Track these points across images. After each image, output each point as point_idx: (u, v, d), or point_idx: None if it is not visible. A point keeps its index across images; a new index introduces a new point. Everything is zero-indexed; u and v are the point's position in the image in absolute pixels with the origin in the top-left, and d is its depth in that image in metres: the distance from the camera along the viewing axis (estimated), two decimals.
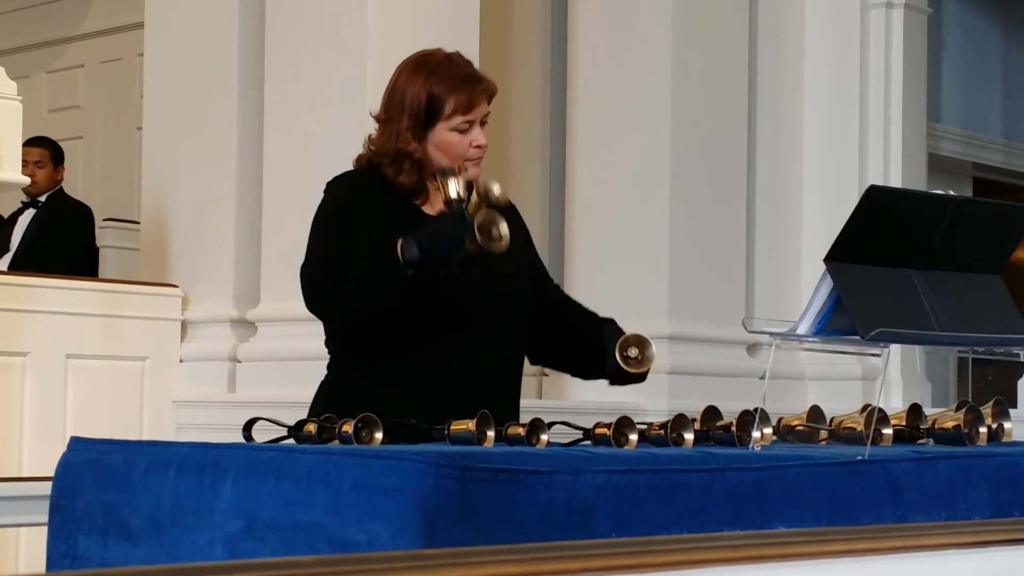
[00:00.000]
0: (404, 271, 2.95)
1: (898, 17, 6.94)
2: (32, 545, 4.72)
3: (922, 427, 3.04)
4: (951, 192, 2.94)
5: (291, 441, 2.78)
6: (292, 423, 2.81)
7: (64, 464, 2.63)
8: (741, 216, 6.56)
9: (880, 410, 2.85)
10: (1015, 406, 6.27)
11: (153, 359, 5.79)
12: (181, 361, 5.88)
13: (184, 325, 5.92)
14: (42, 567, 2.78)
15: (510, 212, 3.33)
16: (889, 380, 6.63)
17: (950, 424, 2.99)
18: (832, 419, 2.99)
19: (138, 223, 6.57)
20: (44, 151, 7.42)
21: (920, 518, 2.65)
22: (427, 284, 2.99)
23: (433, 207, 3.17)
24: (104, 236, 7.95)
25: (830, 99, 6.89)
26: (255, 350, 5.77)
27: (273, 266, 5.62)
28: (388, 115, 3.20)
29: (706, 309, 6.29)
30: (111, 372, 5.64)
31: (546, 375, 6.37)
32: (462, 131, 3.17)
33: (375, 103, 3.29)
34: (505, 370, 3.22)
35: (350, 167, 3.28)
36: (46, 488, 2.65)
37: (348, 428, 2.67)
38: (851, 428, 2.92)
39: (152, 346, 5.78)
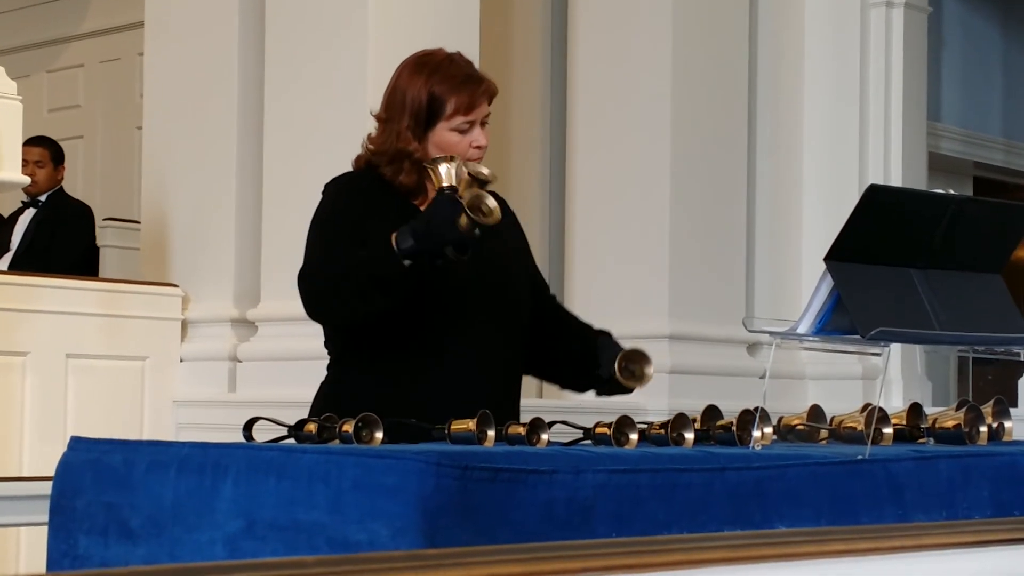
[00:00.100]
0: (400, 262, 2.96)
1: (898, 16, 6.94)
2: (32, 545, 4.72)
3: (922, 426, 3.04)
4: (951, 191, 2.94)
5: (291, 441, 2.78)
6: (292, 423, 2.81)
7: (64, 464, 2.63)
8: (741, 215, 6.56)
9: (880, 409, 2.85)
10: (1015, 405, 6.27)
11: (153, 359, 5.79)
12: (181, 361, 5.88)
13: (184, 325, 5.92)
14: (42, 567, 2.78)
15: (507, 216, 3.35)
16: (889, 379, 6.63)
17: (950, 423, 2.99)
18: (832, 418, 2.99)
19: (138, 222, 6.57)
20: (44, 151, 7.41)
21: (921, 517, 2.65)
22: (424, 274, 2.99)
23: None
24: (104, 236, 7.94)
25: (830, 98, 6.89)
26: (255, 349, 5.77)
27: (273, 265, 5.62)
28: (388, 114, 3.20)
29: (706, 308, 6.29)
30: (111, 372, 5.64)
31: None
32: (462, 131, 3.17)
33: (375, 103, 3.29)
34: (505, 369, 3.22)
35: (350, 166, 3.28)
36: (46, 488, 2.65)
37: (348, 428, 2.67)
38: (851, 427, 2.92)
39: (152, 346, 5.79)
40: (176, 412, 5.80)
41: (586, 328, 3.35)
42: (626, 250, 6.30)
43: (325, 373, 3.27)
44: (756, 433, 2.67)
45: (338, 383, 3.22)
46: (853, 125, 6.86)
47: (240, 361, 5.82)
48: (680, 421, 2.74)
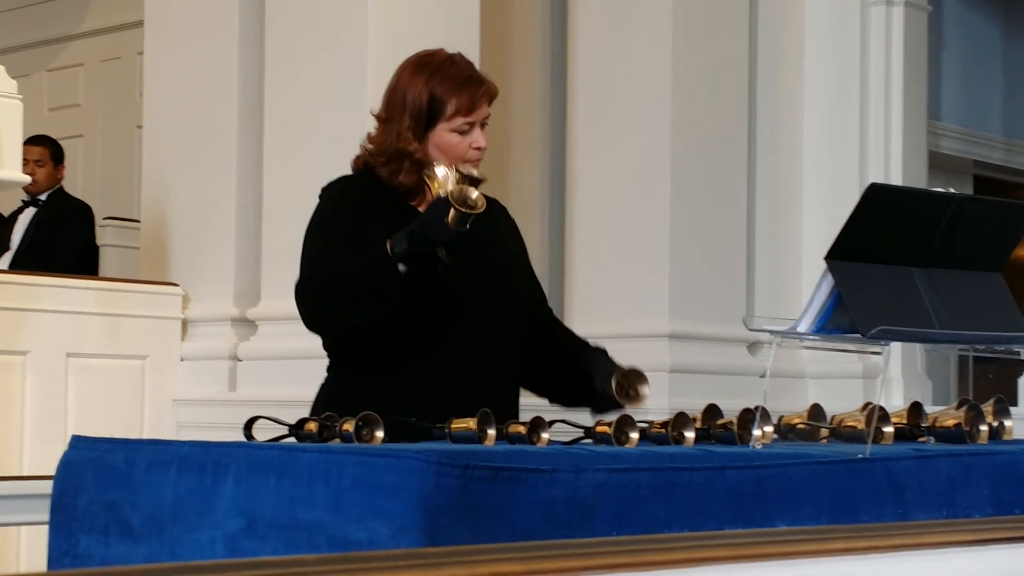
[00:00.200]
0: (395, 267, 2.96)
1: (898, 15, 6.94)
2: (33, 544, 4.72)
3: (923, 425, 3.04)
4: (951, 190, 2.94)
5: (292, 440, 2.78)
6: (293, 422, 2.81)
7: (65, 463, 2.63)
8: (741, 214, 6.56)
9: (881, 408, 2.85)
10: (1016, 404, 6.27)
11: (154, 358, 5.79)
12: (182, 360, 5.88)
13: (185, 324, 5.92)
14: (43, 566, 2.78)
15: (507, 221, 3.35)
16: (890, 378, 6.63)
17: (951, 422, 2.99)
18: (833, 417, 2.99)
19: (138, 221, 6.57)
20: (44, 150, 7.42)
21: (921, 516, 2.65)
22: (419, 278, 3.00)
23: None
24: (104, 235, 7.95)
25: (830, 97, 6.89)
26: (256, 348, 5.77)
27: (274, 264, 5.62)
28: (389, 114, 3.21)
29: (707, 307, 6.29)
30: (112, 371, 5.65)
31: None
32: (462, 132, 3.17)
33: (375, 102, 3.29)
34: (505, 369, 3.21)
35: (350, 166, 3.28)
36: (47, 487, 2.65)
37: (349, 426, 2.67)
38: (852, 426, 2.92)
39: (153, 345, 5.79)
40: (176, 411, 5.81)
41: (582, 344, 3.33)
42: (626, 250, 6.30)
43: (325, 373, 3.27)
44: (756, 432, 2.68)
45: (338, 384, 3.22)
46: (853, 124, 6.86)
47: (240, 360, 5.82)
48: (681, 420, 2.74)
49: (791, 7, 6.90)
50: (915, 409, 3.08)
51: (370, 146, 3.22)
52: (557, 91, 6.78)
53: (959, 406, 3.03)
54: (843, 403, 3.63)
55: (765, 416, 2.71)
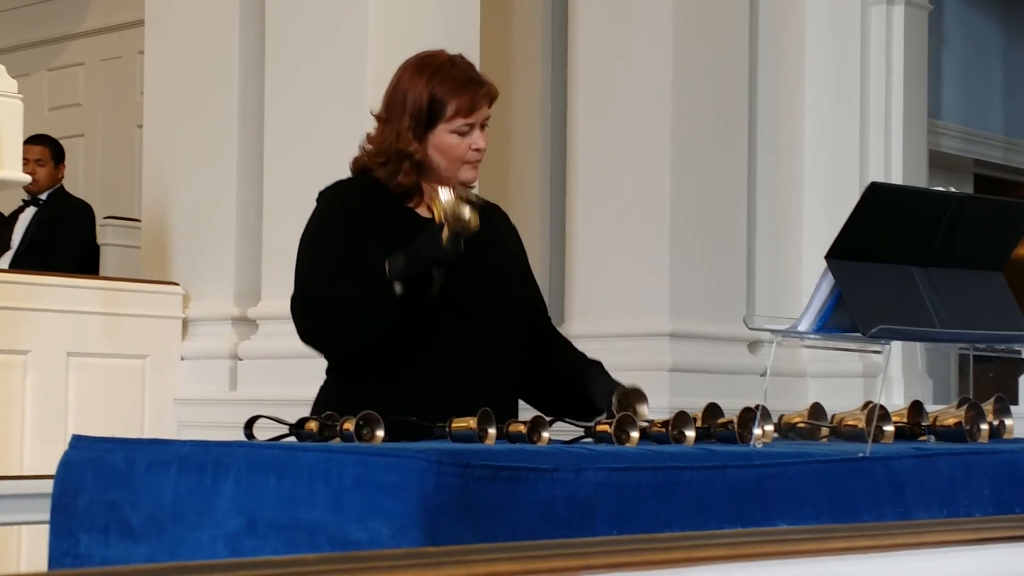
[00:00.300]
0: (392, 291, 2.97)
1: (899, 14, 6.94)
2: (33, 543, 4.72)
3: (923, 424, 3.04)
4: (952, 189, 2.94)
5: (292, 439, 2.78)
6: (293, 421, 2.81)
7: (65, 462, 2.63)
8: (742, 213, 6.56)
9: (881, 407, 2.85)
10: (1016, 403, 6.27)
11: (154, 357, 5.79)
12: (182, 359, 5.88)
13: (185, 323, 5.92)
14: (44, 565, 2.78)
15: (508, 226, 3.35)
16: (890, 377, 6.63)
17: (951, 421, 2.99)
18: (833, 416, 2.99)
19: (139, 221, 6.57)
20: (45, 149, 7.42)
21: (921, 515, 2.65)
22: (414, 300, 3.01)
23: (427, 209, 3.17)
24: (105, 234, 7.94)
25: (830, 97, 6.88)
26: (256, 348, 5.77)
27: (274, 264, 5.62)
28: (389, 114, 3.20)
29: (707, 306, 6.29)
30: (112, 370, 5.65)
31: None
32: (462, 134, 3.17)
33: (375, 102, 3.29)
34: (505, 368, 3.21)
35: (350, 166, 3.28)
36: (47, 486, 2.65)
37: (349, 426, 2.68)
38: (852, 425, 2.92)
39: (153, 344, 5.79)
40: (177, 410, 5.81)
41: (580, 359, 3.33)
42: (626, 248, 6.29)
43: (325, 373, 3.28)
44: (757, 431, 2.68)
45: (338, 383, 3.22)
46: (853, 123, 6.85)
47: (241, 359, 5.82)
48: (681, 419, 2.74)
49: (791, 6, 6.90)
50: (915, 408, 3.08)
51: (369, 146, 3.22)
52: (557, 91, 6.78)
53: (959, 405, 3.03)
54: (843, 402, 3.63)
55: (765, 415, 2.70)
